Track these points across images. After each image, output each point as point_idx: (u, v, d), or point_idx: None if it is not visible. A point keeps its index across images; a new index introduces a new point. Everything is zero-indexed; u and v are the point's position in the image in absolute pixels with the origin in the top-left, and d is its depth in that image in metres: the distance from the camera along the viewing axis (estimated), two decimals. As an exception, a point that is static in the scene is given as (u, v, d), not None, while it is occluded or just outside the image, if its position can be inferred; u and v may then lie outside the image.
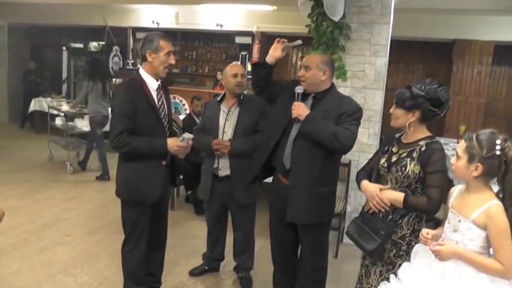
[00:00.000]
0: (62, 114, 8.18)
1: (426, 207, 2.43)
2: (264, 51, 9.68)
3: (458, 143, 6.29)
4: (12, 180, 6.65)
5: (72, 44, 10.69)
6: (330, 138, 2.79)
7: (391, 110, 2.59)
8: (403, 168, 2.48)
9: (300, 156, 2.95)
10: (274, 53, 3.16)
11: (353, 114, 2.93)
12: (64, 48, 11.21)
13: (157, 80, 3.12)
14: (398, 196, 2.49)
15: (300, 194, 2.96)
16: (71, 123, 8.08)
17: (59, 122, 8.27)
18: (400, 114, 2.52)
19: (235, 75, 3.63)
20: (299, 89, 2.96)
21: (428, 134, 2.56)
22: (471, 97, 8.61)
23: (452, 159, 2.16)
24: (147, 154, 3.04)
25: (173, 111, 5.32)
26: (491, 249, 2.07)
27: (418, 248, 2.33)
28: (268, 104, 3.39)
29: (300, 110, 2.87)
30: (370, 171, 2.73)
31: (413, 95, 2.47)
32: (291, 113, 2.93)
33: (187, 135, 3.10)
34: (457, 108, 8.63)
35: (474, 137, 2.06)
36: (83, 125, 7.85)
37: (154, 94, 3.10)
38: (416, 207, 2.49)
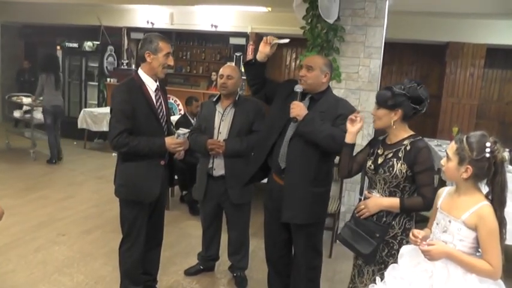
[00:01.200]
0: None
1: (423, 206, 2.49)
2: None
3: (450, 144, 6.39)
4: (5, 180, 6.65)
5: (66, 44, 10.66)
6: (327, 139, 2.83)
7: (372, 112, 2.63)
8: (391, 169, 2.52)
9: (295, 157, 2.98)
10: (264, 49, 3.12)
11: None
12: (58, 47, 11.18)
13: (155, 81, 3.15)
14: (394, 202, 2.53)
15: (295, 194, 2.99)
16: (27, 115, 8.50)
17: (17, 114, 8.75)
18: (383, 114, 2.56)
19: (221, 76, 3.69)
20: (298, 88, 2.98)
21: (411, 132, 2.60)
22: (464, 99, 8.69)
23: (443, 161, 2.19)
24: (146, 153, 3.06)
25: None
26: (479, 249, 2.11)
27: (403, 251, 2.36)
28: (266, 104, 3.40)
29: (299, 109, 2.89)
30: (356, 167, 2.80)
31: (395, 94, 2.52)
32: (288, 112, 2.95)
33: (182, 131, 3.12)
34: (450, 110, 8.72)
35: (464, 139, 2.09)
36: (42, 116, 8.16)
37: (153, 95, 3.12)
38: (413, 209, 2.55)
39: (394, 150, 2.56)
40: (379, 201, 2.57)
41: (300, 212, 3.01)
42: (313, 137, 2.88)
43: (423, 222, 4.38)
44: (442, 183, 4.96)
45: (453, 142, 2.16)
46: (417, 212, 2.62)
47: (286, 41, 3.13)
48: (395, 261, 2.50)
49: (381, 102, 2.56)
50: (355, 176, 2.95)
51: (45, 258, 4.19)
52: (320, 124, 2.87)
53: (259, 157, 3.21)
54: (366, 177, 2.77)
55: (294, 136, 2.97)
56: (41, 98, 7.87)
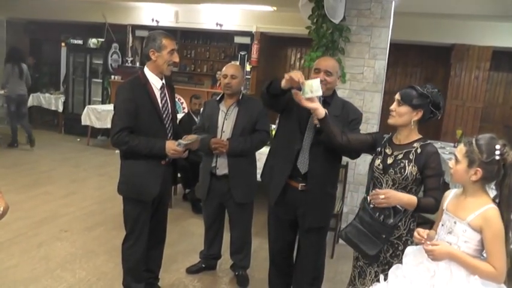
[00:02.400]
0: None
1: (433, 209, 2.47)
2: (263, 52, 9.71)
3: (455, 147, 6.36)
4: (9, 175, 6.67)
5: (71, 40, 10.66)
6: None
7: (392, 107, 2.58)
8: (402, 170, 2.51)
9: (318, 162, 2.98)
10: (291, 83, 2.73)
11: (360, 120, 3.09)
12: (63, 44, 11.19)
13: (161, 79, 3.14)
14: (412, 200, 2.46)
15: (317, 198, 3.02)
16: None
17: None
18: (405, 111, 2.53)
19: (225, 76, 3.67)
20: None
21: (420, 136, 2.60)
22: (468, 102, 8.64)
23: (451, 163, 2.18)
24: (146, 154, 3.05)
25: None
26: (484, 252, 2.10)
27: (408, 250, 2.36)
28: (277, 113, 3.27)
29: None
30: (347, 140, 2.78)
31: (420, 94, 2.51)
32: (303, 116, 2.97)
33: (183, 142, 3.09)
34: (454, 113, 8.67)
35: (474, 142, 2.09)
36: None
37: (157, 93, 3.12)
38: (426, 210, 2.52)
39: (404, 151, 2.55)
40: (400, 196, 2.47)
41: (320, 215, 3.07)
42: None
43: (425, 224, 4.40)
44: (446, 186, 4.94)
45: (461, 144, 2.15)
46: (426, 213, 2.60)
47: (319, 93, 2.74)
48: (400, 262, 2.49)
49: (406, 100, 2.53)
50: (357, 176, 2.95)
51: (47, 254, 4.20)
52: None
53: (287, 166, 3.06)
54: (370, 177, 2.75)
55: (315, 142, 2.96)
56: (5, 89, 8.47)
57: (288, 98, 2.98)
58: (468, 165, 2.09)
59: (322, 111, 2.71)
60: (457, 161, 2.14)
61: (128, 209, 3.21)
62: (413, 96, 2.52)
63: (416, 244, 2.31)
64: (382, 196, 2.46)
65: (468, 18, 7.75)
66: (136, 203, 3.16)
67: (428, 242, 2.13)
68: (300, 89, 2.75)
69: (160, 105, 3.12)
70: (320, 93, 2.71)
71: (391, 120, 2.61)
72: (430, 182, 2.48)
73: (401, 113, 2.55)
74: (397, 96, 2.57)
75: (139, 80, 3.10)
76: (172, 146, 3.06)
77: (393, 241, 2.58)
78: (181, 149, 3.08)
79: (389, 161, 2.58)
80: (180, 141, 3.09)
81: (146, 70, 3.13)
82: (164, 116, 3.15)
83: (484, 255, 2.11)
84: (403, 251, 2.51)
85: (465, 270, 2.08)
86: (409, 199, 2.48)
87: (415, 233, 2.22)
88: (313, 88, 2.69)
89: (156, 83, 3.12)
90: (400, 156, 2.55)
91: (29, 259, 4.07)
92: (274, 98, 2.95)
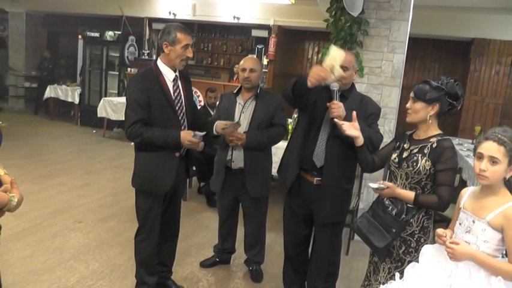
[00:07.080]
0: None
1: (437, 206, 2.45)
2: (280, 45, 9.65)
3: (473, 143, 6.23)
4: (26, 166, 6.72)
5: (88, 33, 10.71)
6: (366, 141, 2.80)
7: (408, 105, 2.57)
8: (414, 164, 2.48)
9: (334, 156, 2.94)
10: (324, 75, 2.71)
11: (378, 115, 3.03)
12: (80, 36, 11.26)
13: (174, 71, 3.10)
14: (409, 194, 2.49)
15: (333, 193, 2.98)
16: None
17: None
18: (420, 107, 2.51)
19: (244, 70, 3.62)
20: (335, 87, 2.86)
21: (439, 131, 2.55)
22: (488, 97, 8.47)
23: (484, 165, 2.04)
24: (161, 145, 3.01)
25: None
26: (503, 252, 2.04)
27: (425, 249, 2.30)
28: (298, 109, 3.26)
29: (341, 110, 2.80)
30: (379, 161, 2.78)
31: (434, 88, 2.48)
32: (319, 111, 2.94)
33: (199, 133, 3.06)
34: (472, 109, 8.52)
35: (506, 138, 2.00)
36: None
37: (170, 85, 3.07)
38: (426, 206, 2.51)
39: (420, 146, 2.52)
40: (396, 189, 2.53)
41: (335, 210, 3.02)
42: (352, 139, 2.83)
43: (442, 222, 4.34)
44: (463, 183, 4.86)
45: (493, 144, 2.02)
46: (431, 209, 2.56)
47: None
48: (413, 259, 2.48)
49: (419, 96, 2.50)
50: (377, 171, 2.90)
51: (61, 245, 4.21)
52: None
53: (300, 158, 3.07)
54: (388, 171, 2.72)
55: (331, 136, 2.93)
56: None
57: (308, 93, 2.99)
58: (509, 163, 2.01)
59: (361, 140, 2.72)
60: (494, 162, 2.01)
61: (139, 201, 3.19)
62: (427, 90, 2.49)
63: (431, 243, 2.26)
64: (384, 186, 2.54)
65: (489, 11, 7.59)
66: (147, 195, 3.13)
67: (449, 240, 2.08)
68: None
69: (173, 96, 3.08)
70: (342, 53, 2.78)
71: (408, 119, 2.59)
72: (440, 177, 2.45)
73: (417, 110, 2.53)
74: (411, 94, 2.56)
75: (151, 71, 3.07)
76: (187, 137, 3.01)
77: (405, 238, 2.55)
78: (196, 140, 3.04)
79: (405, 154, 2.57)
80: (196, 132, 3.05)
81: (159, 62, 3.09)
82: (177, 107, 3.10)
83: (503, 254, 2.05)
84: (415, 248, 2.52)
85: (485, 271, 2.01)
86: (404, 194, 2.51)
87: (436, 237, 2.18)
88: (337, 59, 2.75)
89: (168, 74, 3.08)
90: (415, 151, 2.53)
91: (43, 249, 4.09)
92: (300, 97, 2.93)
